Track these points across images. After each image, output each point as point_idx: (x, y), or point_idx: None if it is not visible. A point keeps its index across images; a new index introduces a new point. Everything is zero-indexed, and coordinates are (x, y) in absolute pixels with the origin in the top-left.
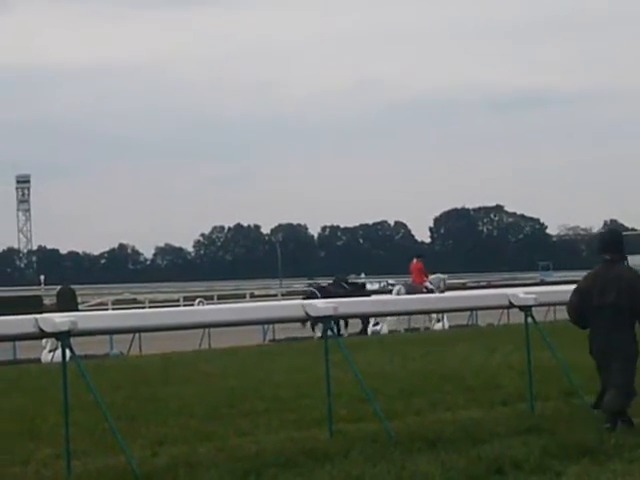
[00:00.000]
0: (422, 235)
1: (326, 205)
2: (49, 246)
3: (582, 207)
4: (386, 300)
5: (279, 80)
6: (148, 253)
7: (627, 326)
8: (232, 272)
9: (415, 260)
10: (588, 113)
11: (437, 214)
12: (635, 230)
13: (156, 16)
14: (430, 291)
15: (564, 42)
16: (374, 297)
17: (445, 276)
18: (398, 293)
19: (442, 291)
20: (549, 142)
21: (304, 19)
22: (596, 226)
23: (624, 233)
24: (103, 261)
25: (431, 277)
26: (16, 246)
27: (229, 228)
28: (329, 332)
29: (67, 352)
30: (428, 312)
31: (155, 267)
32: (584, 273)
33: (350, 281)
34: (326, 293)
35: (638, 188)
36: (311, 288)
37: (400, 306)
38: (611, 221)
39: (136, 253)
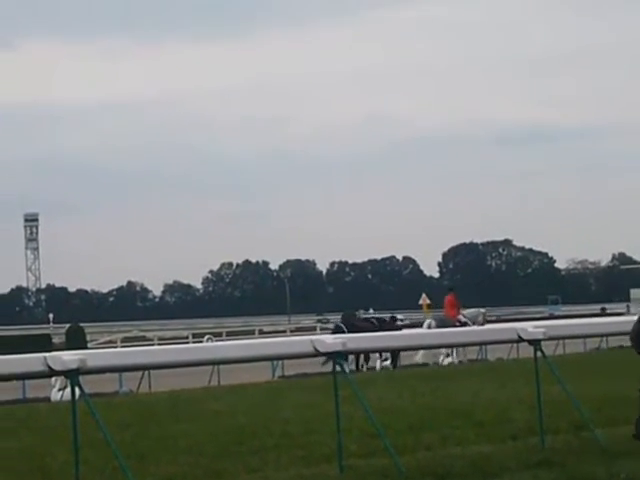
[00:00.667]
0: (431, 270)
1: (335, 241)
2: (58, 284)
3: (591, 241)
4: (394, 335)
5: (289, 116)
6: (157, 290)
7: None
8: (241, 308)
9: (448, 293)
10: (596, 147)
11: (445, 249)
12: None
13: (164, 51)
14: (463, 324)
15: (571, 77)
16: (382, 333)
17: (484, 310)
18: (429, 327)
19: (482, 324)
20: (557, 176)
21: (314, 55)
22: (604, 259)
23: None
24: (112, 299)
25: (469, 310)
26: (25, 284)
27: (237, 264)
28: (338, 368)
29: (76, 390)
30: (438, 347)
31: (164, 304)
32: (593, 306)
33: (379, 317)
34: (354, 328)
35: None
36: (338, 323)
37: (410, 341)
38: (619, 254)
39: (145, 290)
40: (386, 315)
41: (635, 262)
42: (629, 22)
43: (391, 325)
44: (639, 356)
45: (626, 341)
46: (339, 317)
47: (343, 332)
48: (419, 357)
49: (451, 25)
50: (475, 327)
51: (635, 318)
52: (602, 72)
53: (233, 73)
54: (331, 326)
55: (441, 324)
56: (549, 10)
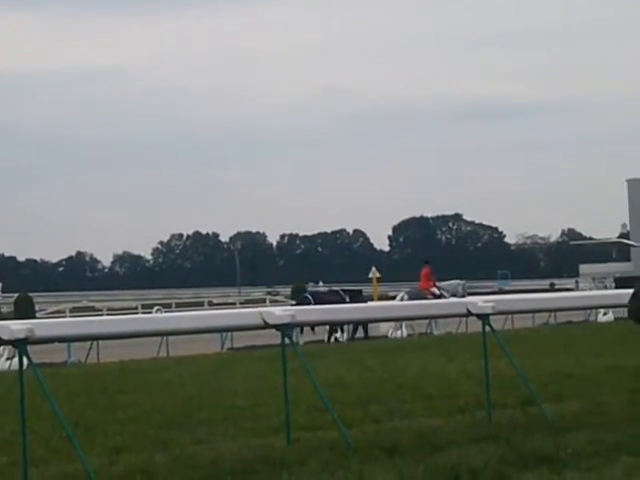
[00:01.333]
0: (381, 243)
1: (285, 213)
2: (7, 254)
3: (540, 216)
4: (344, 308)
5: (241, 88)
6: (106, 261)
7: None
8: (190, 280)
9: (424, 266)
10: (548, 124)
11: (396, 223)
12: (592, 239)
13: (128, 23)
14: (437, 297)
15: (529, 54)
16: (332, 305)
17: (463, 282)
18: (402, 299)
19: (462, 296)
20: (507, 152)
21: (272, 28)
22: (554, 235)
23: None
24: (61, 269)
25: (447, 282)
26: None
27: (188, 236)
28: (286, 340)
29: (24, 360)
30: (387, 320)
31: (113, 275)
32: (542, 282)
33: (347, 289)
34: (319, 299)
35: (596, 197)
36: (305, 294)
37: (360, 314)
38: (569, 230)
39: (94, 261)
40: (355, 288)
41: (584, 238)
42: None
43: (358, 298)
44: (586, 332)
45: (575, 316)
46: (289, 289)
47: (309, 303)
48: (387, 329)
49: None
50: (429, 301)
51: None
52: (558, 49)
53: (192, 46)
54: (280, 298)
55: (414, 297)
56: None
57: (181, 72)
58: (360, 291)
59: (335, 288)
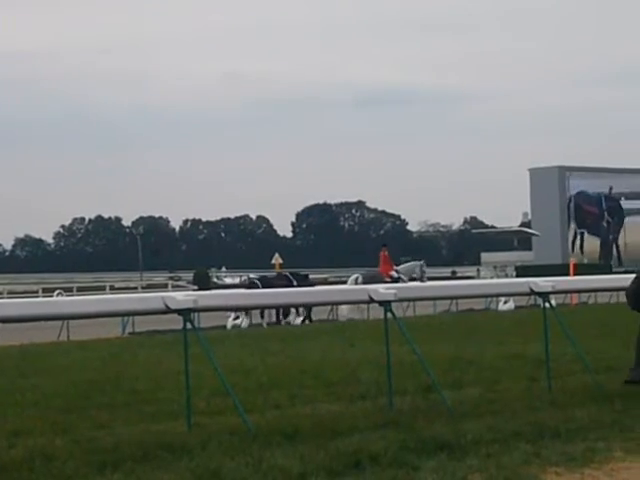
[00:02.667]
0: (284, 230)
1: (189, 198)
2: None
3: (442, 204)
4: (247, 294)
5: (147, 72)
6: (7, 244)
7: None
8: (92, 264)
9: (382, 249)
10: (451, 113)
11: (299, 209)
12: (494, 228)
13: (33, 6)
14: (395, 280)
15: (429, 41)
16: (235, 291)
17: (421, 262)
18: (356, 282)
19: (421, 279)
20: (411, 140)
21: (175, 11)
22: (456, 223)
23: (482, 231)
24: None
25: (404, 265)
26: None
27: (90, 220)
28: (188, 325)
29: None
30: (289, 306)
31: (14, 258)
32: (444, 269)
33: (295, 273)
34: (267, 284)
35: (498, 186)
36: (254, 279)
37: (262, 299)
38: (471, 218)
39: None
40: (302, 272)
41: (486, 226)
42: None
43: (305, 282)
44: (487, 320)
45: (476, 304)
46: (191, 274)
47: (257, 287)
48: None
49: None
50: (333, 287)
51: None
52: (462, 38)
53: (93, 29)
54: (182, 283)
55: (369, 280)
56: None
57: (86, 54)
58: (307, 275)
59: (286, 272)
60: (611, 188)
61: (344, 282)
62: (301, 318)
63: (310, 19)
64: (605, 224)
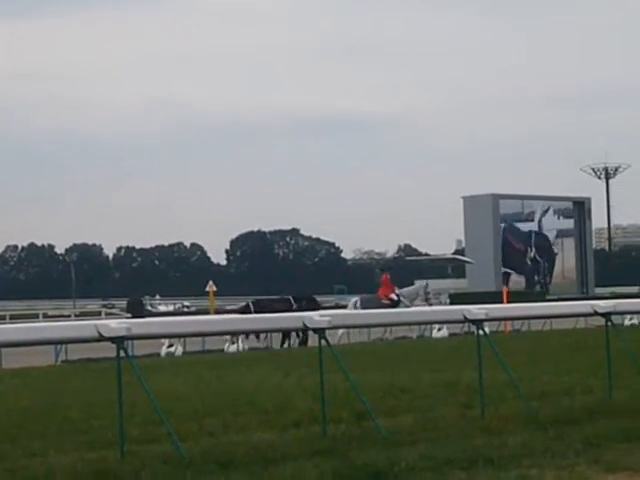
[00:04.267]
0: (218, 257)
1: (122, 226)
2: None
3: (377, 232)
4: (179, 321)
5: (75, 97)
6: None
7: None
8: (25, 292)
9: (383, 274)
10: (385, 138)
11: (233, 237)
12: (428, 255)
13: None
14: (395, 303)
15: (367, 67)
16: (169, 319)
17: (424, 283)
18: (355, 306)
19: (425, 300)
20: (345, 166)
21: (102, 36)
22: (390, 250)
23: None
24: None
25: (408, 288)
26: None
27: (23, 247)
28: (122, 353)
29: None
30: (224, 333)
31: None
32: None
33: (300, 297)
34: (260, 308)
35: (432, 214)
36: (248, 302)
37: (194, 327)
38: (405, 246)
39: None
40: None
41: (420, 253)
42: (421, 17)
43: (313, 305)
44: (421, 347)
45: (410, 332)
46: (124, 302)
47: (249, 312)
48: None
49: (244, 11)
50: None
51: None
52: (397, 64)
53: (20, 54)
54: (116, 311)
55: (366, 303)
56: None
57: (14, 80)
58: (313, 298)
59: (287, 296)
60: (540, 222)
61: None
62: (170, 349)
63: (238, 45)
64: (529, 262)
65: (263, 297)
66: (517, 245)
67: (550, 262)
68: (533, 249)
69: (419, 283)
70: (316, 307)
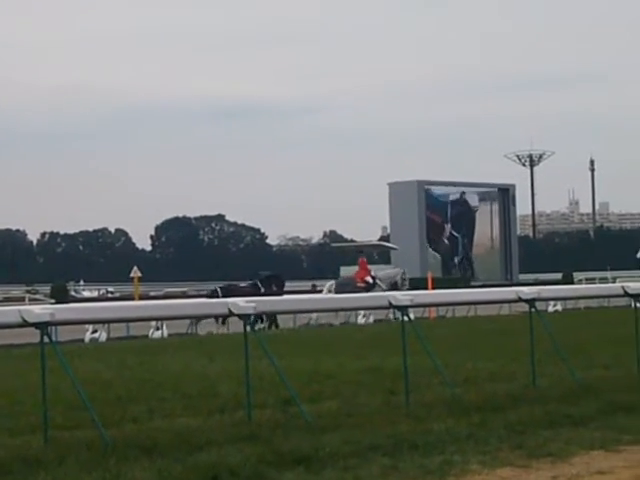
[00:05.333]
0: (143, 243)
1: (46, 212)
2: None
3: (302, 218)
4: (103, 307)
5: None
6: None
7: None
8: None
9: (359, 257)
10: (311, 124)
11: (158, 222)
12: (354, 241)
13: None
14: (370, 286)
15: (280, 53)
16: (91, 304)
17: (400, 270)
18: (329, 289)
19: (403, 285)
20: (270, 152)
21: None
22: (316, 237)
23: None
24: None
25: (386, 271)
26: None
27: None
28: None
29: None
30: (147, 319)
31: None
32: (304, 283)
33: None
34: (228, 292)
35: (357, 200)
36: (216, 287)
37: (119, 313)
38: (330, 232)
39: None
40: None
41: (345, 240)
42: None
43: (280, 286)
44: (346, 334)
45: (335, 318)
46: (49, 288)
47: (217, 296)
48: (104, 335)
49: None
50: (191, 301)
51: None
52: (317, 49)
53: None
54: (40, 297)
55: (340, 287)
56: None
57: None
58: (281, 280)
59: (268, 272)
60: (463, 193)
61: (203, 295)
62: (94, 334)
63: (161, 32)
64: (446, 240)
65: (233, 282)
66: (433, 216)
67: (469, 236)
68: (449, 224)
69: (393, 270)
70: (282, 285)
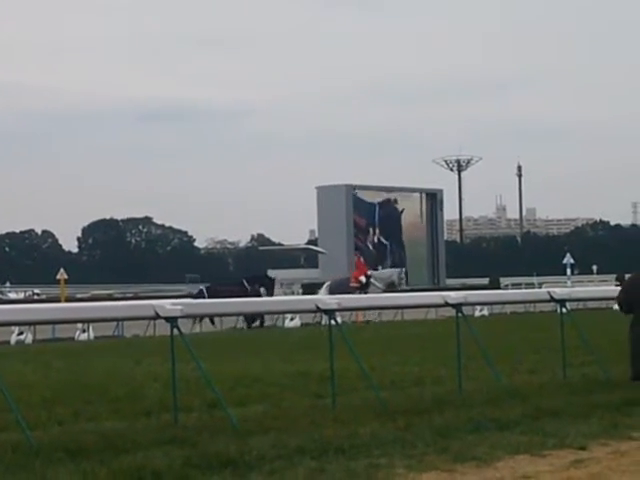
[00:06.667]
0: (70, 245)
1: None
2: None
3: (230, 221)
4: (28, 309)
5: None
6: None
7: None
8: None
9: (356, 257)
10: (238, 128)
11: (85, 224)
12: (282, 245)
13: None
14: (364, 285)
15: (211, 57)
16: (19, 306)
17: (397, 270)
18: (327, 290)
19: (400, 284)
20: (197, 155)
21: None
22: (243, 240)
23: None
24: None
25: (382, 271)
26: None
27: None
28: None
29: None
30: (72, 322)
31: None
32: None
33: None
34: (213, 293)
35: (285, 203)
36: (201, 287)
37: (45, 315)
38: (258, 235)
39: None
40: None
41: (273, 243)
42: (276, 7)
43: (269, 285)
44: (274, 337)
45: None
46: None
47: (203, 297)
48: (30, 337)
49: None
50: (118, 303)
51: None
52: (244, 53)
53: None
54: None
55: (335, 287)
56: None
57: None
58: (269, 279)
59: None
60: (392, 199)
61: (129, 298)
62: (20, 336)
63: (91, 34)
64: (371, 246)
65: (221, 282)
66: (358, 219)
67: (398, 241)
68: (376, 228)
69: (390, 270)
70: (272, 286)
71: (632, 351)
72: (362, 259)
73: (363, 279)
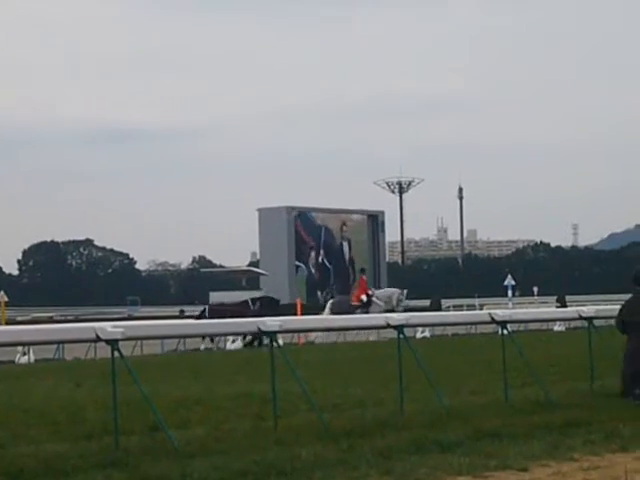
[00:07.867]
0: (10, 268)
1: None
2: None
3: (171, 243)
4: None
5: None
6: None
7: None
8: None
9: (360, 276)
10: (181, 150)
11: (26, 247)
12: (223, 267)
13: None
14: (365, 304)
15: (151, 79)
16: None
17: (398, 290)
18: (329, 309)
19: (399, 305)
20: (139, 178)
21: None
22: (185, 262)
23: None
24: None
25: (382, 290)
26: None
27: None
28: None
29: None
30: (12, 345)
31: None
32: (173, 308)
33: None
34: (213, 312)
35: (226, 225)
36: (205, 306)
37: None
38: (200, 257)
39: None
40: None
41: (215, 265)
42: (224, 28)
43: (272, 307)
44: (215, 359)
45: (203, 343)
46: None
47: (204, 316)
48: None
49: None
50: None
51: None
52: (191, 75)
53: None
54: None
55: (337, 306)
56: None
57: None
58: (273, 301)
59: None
60: (343, 228)
61: (70, 320)
62: (27, 356)
63: (29, 56)
64: (313, 268)
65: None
66: (306, 237)
67: (341, 264)
68: (321, 250)
69: (391, 289)
70: (276, 308)
71: (623, 370)
72: (365, 278)
73: (364, 298)
